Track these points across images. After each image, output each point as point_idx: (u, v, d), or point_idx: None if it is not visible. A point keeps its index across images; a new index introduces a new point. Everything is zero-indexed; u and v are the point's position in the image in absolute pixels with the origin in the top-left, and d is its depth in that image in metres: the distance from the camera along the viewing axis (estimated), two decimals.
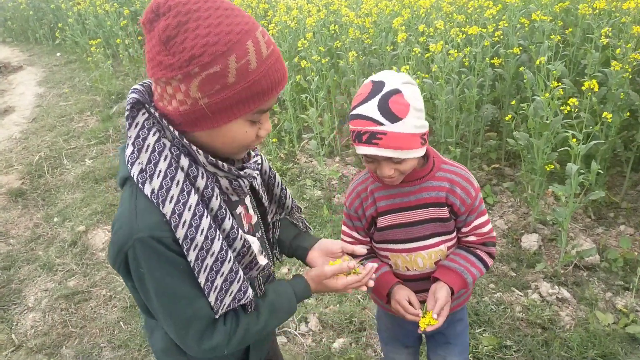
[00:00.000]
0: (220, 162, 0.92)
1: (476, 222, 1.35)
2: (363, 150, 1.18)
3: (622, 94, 2.71)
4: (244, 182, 0.99)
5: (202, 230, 0.87)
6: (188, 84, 0.82)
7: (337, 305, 2.57)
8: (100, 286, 2.89)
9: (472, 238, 1.38)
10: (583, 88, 2.36)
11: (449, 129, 3.28)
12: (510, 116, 2.88)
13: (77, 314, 2.69)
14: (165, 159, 0.87)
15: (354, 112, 1.19)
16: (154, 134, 0.88)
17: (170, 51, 0.81)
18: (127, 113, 0.90)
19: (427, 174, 1.31)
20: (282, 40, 4.12)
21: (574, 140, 2.25)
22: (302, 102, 3.94)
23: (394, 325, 1.59)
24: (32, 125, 5.28)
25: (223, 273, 0.91)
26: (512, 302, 2.48)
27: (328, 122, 3.52)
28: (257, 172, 1.05)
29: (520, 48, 3.18)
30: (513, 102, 2.91)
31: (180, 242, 0.86)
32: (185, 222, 0.86)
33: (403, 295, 1.33)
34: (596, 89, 2.25)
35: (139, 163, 0.87)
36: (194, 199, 0.87)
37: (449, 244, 1.38)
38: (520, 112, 2.95)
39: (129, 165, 0.88)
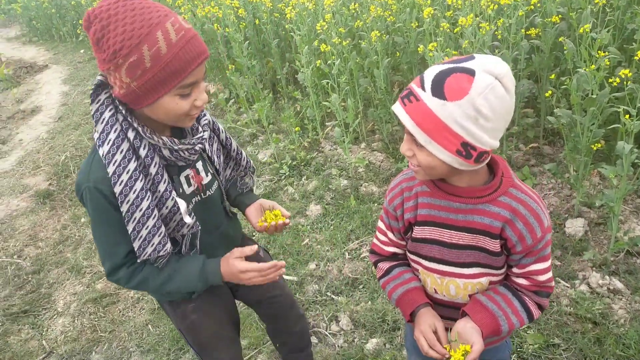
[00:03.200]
0: (156, 137, 1.14)
1: (532, 267, 1.09)
2: (394, 106, 1.01)
3: None
4: (185, 152, 1.21)
5: (135, 190, 1.12)
6: (119, 72, 1.03)
7: (369, 303, 2.44)
8: None
9: (523, 281, 1.13)
10: (635, 58, 2.11)
11: None
12: (550, 92, 2.64)
13: (105, 318, 2.66)
14: (115, 131, 1.11)
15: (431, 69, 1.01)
16: (109, 110, 1.12)
17: (101, 49, 1.03)
18: (91, 92, 1.13)
19: (488, 195, 1.06)
20: (300, 23, 3.94)
21: (627, 116, 2.02)
22: (324, 88, 3.77)
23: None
24: (58, 124, 5.31)
25: (148, 227, 1.15)
26: (559, 295, 2.29)
27: (352, 107, 3.35)
28: (200, 145, 1.25)
29: (560, 16, 2.91)
30: (552, 76, 2.67)
31: (117, 196, 1.12)
32: (122, 182, 1.11)
33: (429, 323, 1.13)
34: None
35: (97, 131, 1.13)
36: (132, 165, 1.12)
37: (493, 279, 1.15)
38: (561, 86, 2.70)
39: (94, 133, 1.16)
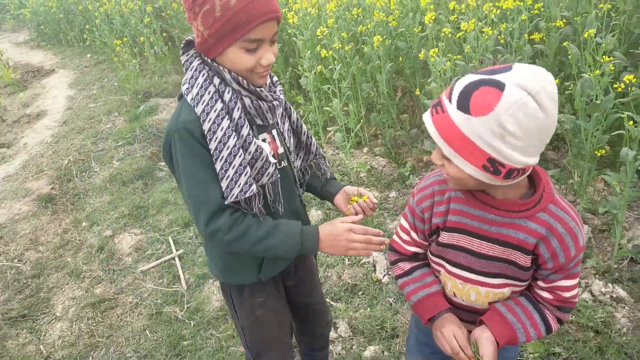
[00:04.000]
0: (240, 78, 1.19)
1: (560, 283, 1.07)
2: (425, 114, 0.99)
3: None
4: (264, 105, 1.24)
5: (222, 127, 1.16)
6: (197, 21, 1.13)
7: (368, 309, 2.41)
8: (127, 293, 2.84)
9: (546, 295, 1.10)
10: None
11: None
12: None
13: (103, 323, 2.65)
14: (202, 76, 1.19)
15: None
16: (198, 60, 1.21)
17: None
18: (182, 46, 1.24)
19: (526, 210, 1.02)
20: (303, 28, 3.93)
21: (631, 122, 1.98)
22: (327, 93, 3.76)
23: (427, 339, 1.38)
24: (62, 128, 5.33)
25: (234, 165, 1.16)
26: None
27: (354, 112, 3.33)
28: (277, 102, 1.28)
29: (564, 20, 2.88)
30: (556, 81, 2.62)
31: (205, 133, 1.16)
32: (210, 119, 1.16)
33: (452, 330, 1.12)
34: None
35: (186, 80, 1.21)
36: (219, 105, 1.17)
37: (516, 289, 1.13)
38: (566, 91, 2.66)
39: (182, 84, 1.23)
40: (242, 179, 1.17)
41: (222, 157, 1.16)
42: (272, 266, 1.42)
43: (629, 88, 2.09)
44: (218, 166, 1.17)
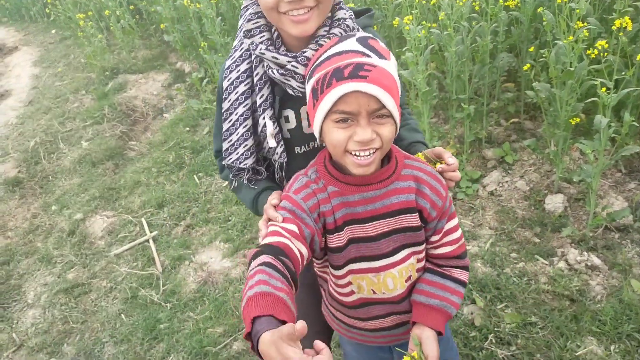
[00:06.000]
0: (262, 37, 1.07)
1: (447, 227, 1.12)
2: (345, 88, 0.88)
3: None
4: (281, 72, 1.05)
5: (237, 92, 1.11)
6: None
7: None
8: (100, 277, 2.77)
9: (445, 250, 1.14)
10: (613, 27, 2.04)
11: (461, 84, 2.98)
12: (528, 65, 2.57)
13: (77, 308, 2.59)
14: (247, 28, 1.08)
15: (324, 55, 0.95)
16: (255, 6, 1.08)
17: None
18: None
19: (393, 173, 1.05)
20: None
21: (604, 89, 1.96)
22: None
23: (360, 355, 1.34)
24: (28, 108, 5.11)
25: (238, 133, 1.13)
26: (537, 273, 2.27)
27: None
28: (295, 65, 1.04)
29: None
30: (531, 49, 2.58)
31: (224, 89, 1.13)
32: (231, 79, 1.12)
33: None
34: (629, 28, 1.93)
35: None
36: (244, 66, 1.10)
37: (419, 256, 1.14)
38: (540, 59, 2.63)
39: None
40: (241, 149, 1.15)
41: (231, 120, 1.13)
42: None
43: (602, 54, 2.06)
44: (225, 126, 1.14)
